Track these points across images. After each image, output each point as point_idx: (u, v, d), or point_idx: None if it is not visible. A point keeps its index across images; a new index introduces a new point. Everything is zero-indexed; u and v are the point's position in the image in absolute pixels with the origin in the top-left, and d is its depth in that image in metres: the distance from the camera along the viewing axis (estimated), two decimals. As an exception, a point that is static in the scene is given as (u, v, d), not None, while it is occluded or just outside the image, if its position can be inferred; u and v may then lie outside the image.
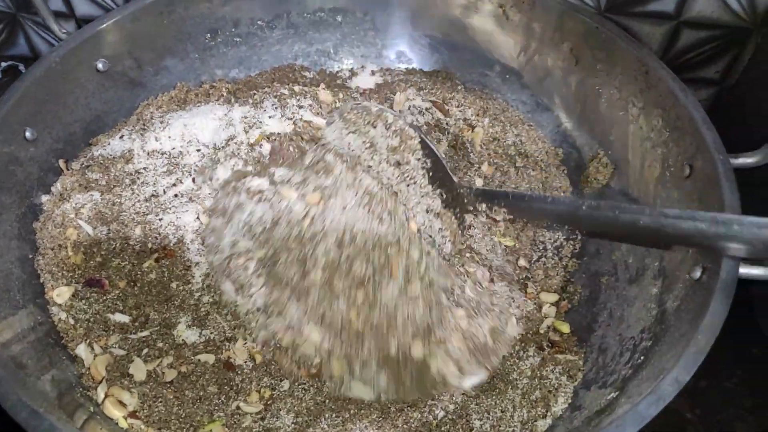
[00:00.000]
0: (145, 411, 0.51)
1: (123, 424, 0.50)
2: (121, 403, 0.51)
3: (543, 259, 0.70)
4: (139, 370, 0.54)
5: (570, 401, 0.54)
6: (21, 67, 1.07)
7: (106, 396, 0.52)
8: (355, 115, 0.65)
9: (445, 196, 0.63)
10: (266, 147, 0.66)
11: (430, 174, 0.63)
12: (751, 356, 0.73)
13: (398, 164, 0.63)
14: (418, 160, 0.63)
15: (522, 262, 0.69)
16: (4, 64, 1.07)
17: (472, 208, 0.63)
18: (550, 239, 0.72)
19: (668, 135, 0.62)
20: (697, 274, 0.50)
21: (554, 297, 0.66)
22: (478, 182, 0.74)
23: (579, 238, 0.70)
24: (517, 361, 0.59)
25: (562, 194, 0.74)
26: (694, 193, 0.56)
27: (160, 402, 0.52)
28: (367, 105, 0.65)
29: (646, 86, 0.65)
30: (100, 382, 0.53)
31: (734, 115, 0.92)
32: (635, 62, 0.66)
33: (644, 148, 0.65)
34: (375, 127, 0.64)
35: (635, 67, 0.66)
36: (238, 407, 0.53)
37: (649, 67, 0.64)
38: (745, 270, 0.47)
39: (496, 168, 0.76)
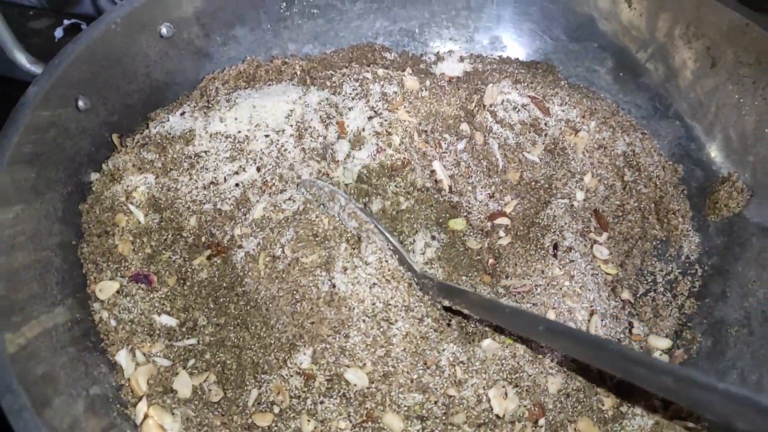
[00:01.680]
0: (188, 440, 0.44)
1: (162, 454, 0.43)
2: (162, 429, 0.44)
3: (652, 293, 0.60)
4: (184, 385, 0.47)
5: (694, 484, 0.44)
6: (83, 26, 1.01)
7: (146, 417, 0.44)
8: (315, 190, 0.57)
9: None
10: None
11: (397, 256, 0.54)
12: None
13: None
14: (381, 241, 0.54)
15: (626, 295, 0.59)
16: (66, 22, 1.02)
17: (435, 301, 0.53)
18: (660, 270, 0.61)
19: (837, 163, 0.50)
20: None
21: (666, 343, 0.56)
22: (579, 195, 0.64)
23: (699, 273, 0.59)
24: (620, 417, 0.50)
25: (680, 219, 0.63)
26: None
27: (205, 429, 0.45)
28: (321, 184, 0.57)
29: (811, 100, 0.53)
30: (141, 398, 0.46)
31: None
32: (798, 70, 0.54)
33: (798, 176, 0.54)
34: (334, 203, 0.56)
35: (797, 76, 0.54)
36: (297, 430, 0.46)
37: (817, 77, 0.52)
38: None
39: (599, 180, 0.65)
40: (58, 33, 1.00)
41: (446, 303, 0.52)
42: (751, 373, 0.49)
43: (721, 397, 0.35)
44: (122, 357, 0.48)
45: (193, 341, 0.51)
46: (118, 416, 0.44)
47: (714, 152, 0.63)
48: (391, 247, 0.54)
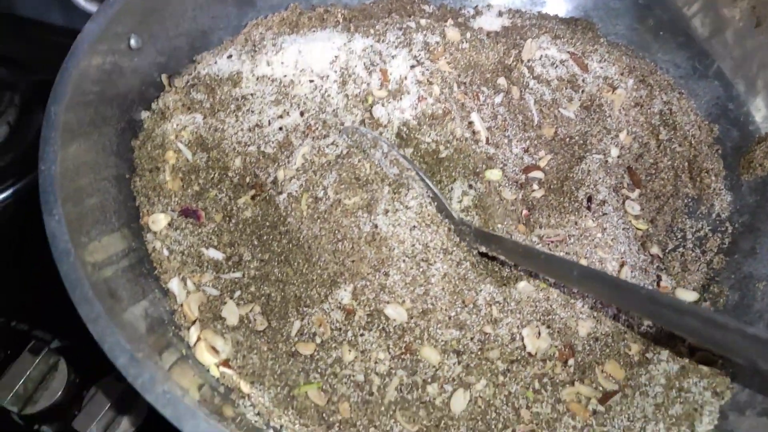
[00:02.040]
0: (239, 361, 0.47)
1: (215, 372, 0.46)
2: (214, 350, 0.47)
3: (681, 249, 0.61)
4: (231, 313, 0.50)
5: (716, 423, 0.46)
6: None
7: (199, 339, 0.47)
8: (358, 136, 0.58)
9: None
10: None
11: (435, 203, 0.55)
12: None
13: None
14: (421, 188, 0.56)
15: (655, 250, 0.61)
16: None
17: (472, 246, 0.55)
18: (691, 227, 0.63)
19: None
20: None
21: (693, 295, 0.57)
22: (614, 152, 0.65)
23: (729, 231, 0.60)
24: (645, 362, 0.52)
25: (713, 178, 0.63)
26: None
27: (255, 353, 0.48)
28: (365, 130, 0.58)
29: None
30: (194, 322, 0.48)
31: None
32: None
33: (837, 136, 0.54)
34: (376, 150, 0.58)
35: None
36: (338, 359, 0.48)
37: None
38: None
39: (634, 138, 0.66)
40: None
41: (483, 249, 0.54)
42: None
43: (748, 341, 0.36)
44: (174, 285, 0.50)
45: (238, 275, 0.53)
46: (174, 336, 0.47)
47: (752, 112, 0.63)
48: (431, 194, 0.55)
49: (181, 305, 0.49)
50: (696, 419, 0.46)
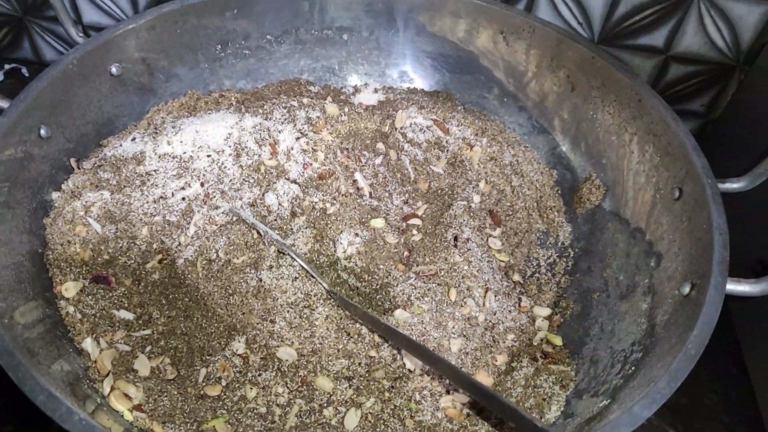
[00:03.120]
0: (150, 405, 0.52)
1: (128, 416, 0.51)
2: (127, 397, 0.52)
3: (537, 274, 0.73)
4: (143, 365, 0.55)
5: (563, 409, 0.56)
6: (24, 70, 1.08)
7: (112, 389, 0.52)
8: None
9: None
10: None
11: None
12: (729, 374, 0.76)
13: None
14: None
15: (516, 277, 0.72)
16: (7, 66, 1.08)
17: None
18: (543, 256, 0.75)
19: (659, 160, 0.65)
20: (686, 290, 0.53)
21: (547, 311, 0.68)
22: (476, 198, 0.77)
23: (572, 255, 0.73)
24: (510, 370, 0.61)
25: (556, 214, 0.77)
26: (683, 215, 0.60)
27: (165, 397, 0.53)
28: (244, 216, 0.67)
29: (639, 113, 0.68)
30: (107, 375, 0.53)
31: (718, 146, 0.96)
32: (629, 90, 0.69)
33: (636, 172, 0.69)
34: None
35: (629, 95, 0.69)
36: (242, 397, 0.54)
37: (642, 95, 0.68)
38: (731, 286, 0.50)
39: (492, 186, 0.79)
40: (0, 76, 1.07)
41: (347, 313, 0.62)
42: (607, 325, 0.62)
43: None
44: (88, 344, 0.55)
45: (148, 331, 0.59)
46: (89, 389, 0.51)
47: (578, 158, 0.78)
48: (304, 269, 0.64)
49: (95, 361, 0.54)
50: (545, 407, 0.56)
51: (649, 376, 0.49)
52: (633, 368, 0.53)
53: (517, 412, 0.48)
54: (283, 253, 0.64)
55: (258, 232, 0.65)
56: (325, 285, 0.62)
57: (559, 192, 0.78)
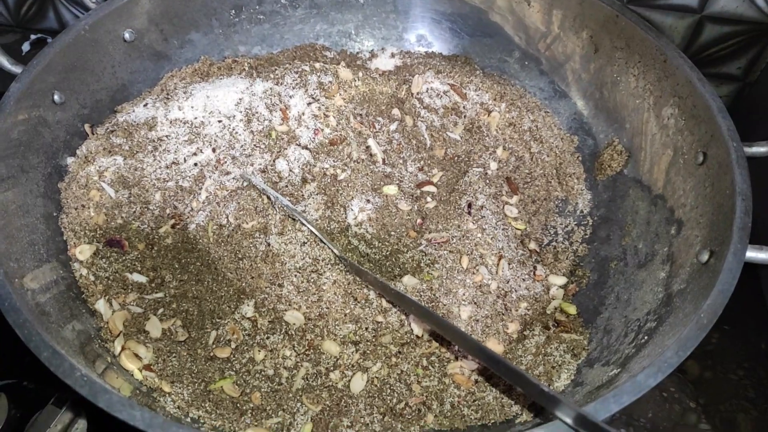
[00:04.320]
0: (159, 365, 0.53)
1: (138, 375, 0.52)
2: (137, 356, 0.53)
3: (554, 243, 0.71)
4: (154, 327, 0.56)
5: (573, 378, 0.55)
6: (49, 40, 1.09)
7: (123, 349, 0.53)
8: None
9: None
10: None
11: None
12: (758, 351, 0.73)
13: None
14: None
15: (532, 246, 0.70)
16: (33, 36, 1.10)
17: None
18: (561, 224, 0.73)
19: (684, 123, 0.62)
20: (705, 257, 0.51)
21: (562, 280, 0.66)
22: (493, 165, 0.75)
23: (591, 223, 0.71)
24: (522, 338, 0.60)
25: (576, 181, 0.74)
26: (707, 180, 0.57)
27: (174, 357, 0.54)
28: (255, 181, 0.66)
29: (664, 75, 0.65)
30: (118, 335, 0.55)
31: (756, 111, 0.91)
32: (654, 51, 0.66)
33: (659, 136, 0.66)
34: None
35: (654, 55, 0.66)
36: (251, 359, 0.55)
37: (667, 56, 0.64)
38: (752, 254, 0.48)
39: (510, 153, 0.77)
40: (25, 47, 1.08)
41: (357, 279, 0.62)
42: (623, 294, 0.61)
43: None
44: (101, 305, 0.57)
45: (160, 294, 0.60)
46: (100, 348, 0.53)
47: (600, 123, 0.75)
48: (315, 235, 0.63)
49: (107, 322, 0.56)
50: (554, 375, 0.55)
51: (661, 345, 0.47)
52: (646, 337, 0.51)
53: (524, 378, 0.47)
54: (294, 219, 0.63)
55: (268, 198, 0.64)
56: (335, 251, 0.62)
57: (580, 158, 0.76)
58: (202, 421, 0.51)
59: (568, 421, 0.41)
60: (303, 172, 0.68)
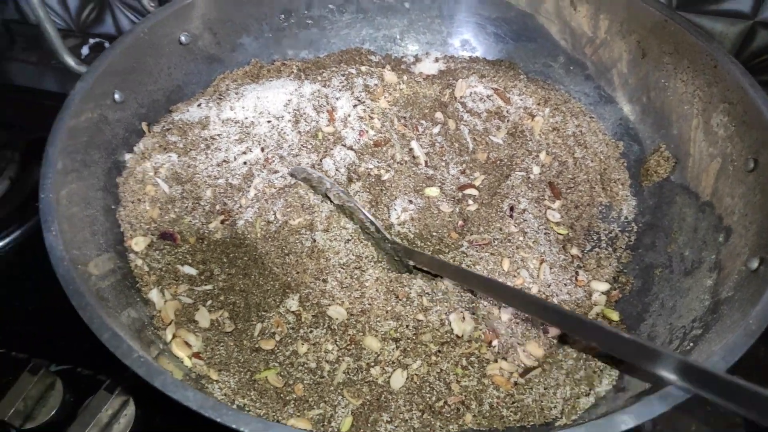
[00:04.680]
0: (208, 353, 0.55)
1: (188, 362, 0.54)
2: (187, 344, 0.55)
3: (597, 249, 0.71)
4: (203, 317, 0.59)
5: (615, 383, 0.54)
6: (107, 44, 1.14)
7: (174, 337, 0.56)
8: (305, 175, 0.67)
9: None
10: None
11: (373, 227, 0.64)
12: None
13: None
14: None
15: (575, 251, 0.70)
16: (92, 41, 1.15)
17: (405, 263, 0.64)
18: (605, 230, 0.72)
19: (734, 129, 0.61)
20: (755, 265, 0.50)
21: (605, 286, 0.66)
22: (536, 170, 0.75)
23: (635, 230, 0.70)
24: (563, 343, 0.60)
25: (621, 187, 0.74)
26: (757, 187, 0.56)
27: (222, 347, 0.56)
28: (310, 171, 0.67)
29: (714, 80, 0.64)
30: (169, 324, 0.57)
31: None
32: (704, 56, 0.65)
33: (708, 143, 0.65)
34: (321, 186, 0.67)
35: (703, 60, 0.65)
36: (294, 352, 0.57)
37: (717, 61, 0.63)
38: (805, 261, 0.47)
39: (554, 158, 0.77)
40: (85, 51, 1.14)
41: (411, 262, 0.63)
42: (668, 301, 0.60)
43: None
44: (154, 295, 0.59)
45: (209, 287, 0.62)
46: (152, 335, 0.55)
47: (647, 129, 0.74)
48: (368, 220, 0.64)
49: (159, 311, 0.58)
50: (595, 380, 0.54)
51: (707, 352, 0.47)
52: (691, 344, 0.51)
53: (611, 333, 0.44)
54: (336, 217, 0.65)
55: (316, 194, 0.66)
56: (387, 235, 0.63)
57: (625, 164, 0.75)
58: (247, 408, 0.52)
59: (671, 375, 0.40)
60: (348, 172, 0.69)
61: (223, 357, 0.55)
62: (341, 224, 0.64)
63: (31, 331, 0.76)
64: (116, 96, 0.67)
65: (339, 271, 0.61)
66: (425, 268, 0.63)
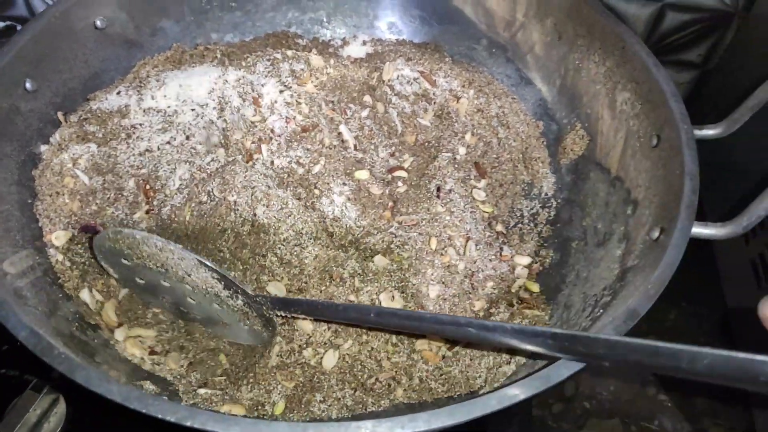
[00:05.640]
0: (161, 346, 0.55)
1: (147, 360, 0.55)
2: (141, 342, 0.55)
3: (519, 225, 0.74)
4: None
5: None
6: (18, 27, 1.08)
7: (127, 338, 0.56)
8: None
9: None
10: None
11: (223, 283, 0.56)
12: (713, 327, 0.78)
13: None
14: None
15: (499, 228, 0.73)
16: (1, 23, 1.09)
17: (273, 314, 0.57)
18: (527, 207, 0.75)
19: (640, 107, 0.65)
20: (656, 234, 0.54)
21: (527, 260, 0.69)
22: (462, 150, 0.77)
23: (554, 206, 0.74)
24: (488, 316, 0.63)
25: (541, 165, 0.77)
26: (660, 162, 0.60)
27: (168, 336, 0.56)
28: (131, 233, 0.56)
29: (622, 61, 0.68)
30: (118, 326, 0.56)
31: (714, 96, 0.95)
32: (613, 37, 0.69)
33: (618, 121, 0.68)
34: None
35: (613, 42, 0.69)
36: None
37: (626, 42, 0.67)
38: (698, 230, 0.51)
39: (479, 138, 0.79)
40: (-6, 34, 1.07)
41: (283, 314, 0.57)
42: (582, 272, 0.63)
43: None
44: (86, 296, 0.58)
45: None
46: (78, 331, 0.54)
47: (564, 109, 0.77)
48: (217, 276, 0.55)
49: (100, 315, 0.57)
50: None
51: (613, 317, 0.50)
52: (601, 311, 0.54)
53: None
54: (282, 189, 0.64)
55: (251, 175, 0.65)
56: (249, 291, 0.57)
57: (545, 143, 0.79)
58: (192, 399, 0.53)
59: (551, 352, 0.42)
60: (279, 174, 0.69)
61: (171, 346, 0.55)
62: (283, 200, 0.63)
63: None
64: (27, 85, 0.64)
65: (279, 247, 0.61)
66: (301, 316, 0.57)
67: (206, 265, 0.54)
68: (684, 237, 0.50)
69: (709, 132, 0.59)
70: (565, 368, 0.42)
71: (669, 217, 0.53)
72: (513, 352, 0.58)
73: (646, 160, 0.62)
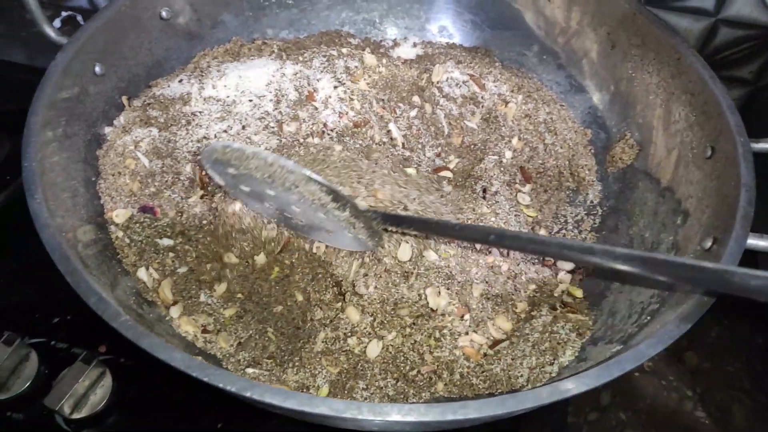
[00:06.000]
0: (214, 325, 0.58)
1: (199, 338, 0.57)
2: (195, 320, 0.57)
3: (563, 231, 0.74)
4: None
5: (577, 354, 0.58)
6: (79, 17, 1.12)
7: (181, 315, 0.58)
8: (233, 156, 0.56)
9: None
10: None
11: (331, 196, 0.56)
12: (754, 345, 0.76)
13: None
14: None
15: (543, 232, 0.73)
16: (63, 14, 1.13)
17: (382, 229, 0.58)
18: (571, 213, 0.76)
19: (694, 119, 0.65)
20: (708, 244, 0.54)
21: (570, 266, 0.69)
22: (508, 154, 0.78)
23: (600, 213, 0.74)
24: (530, 319, 0.63)
25: (587, 173, 0.77)
26: (713, 173, 0.60)
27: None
28: (237, 146, 0.55)
29: (677, 72, 0.68)
30: (174, 304, 0.59)
31: (765, 113, 0.94)
32: (668, 48, 0.69)
33: (670, 132, 0.68)
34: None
35: (668, 53, 0.69)
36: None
37: (681, 54, 0.67)
38: (753, 241, 0.51)
39: (525, 143, 0.80)
40: (56, 24, 1.12)
41: (393, 229, 0.60)
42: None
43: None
44: (143, 274, 0.60)
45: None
46: (141, 308, 0.56)
47: (614, 118, 0.78)
48: (326, 190, 0.55)
49: (157, 293, 0.59)
50: (559, 351, 0.58)
51: (662, 323, 0.50)
52: (648, 318, 0.54)
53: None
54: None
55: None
56: (361, 205, 0.58)
57: (592, 151, 0.79)
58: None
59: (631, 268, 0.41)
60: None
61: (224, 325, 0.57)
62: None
63: (3, 306, 0.76)
64: (97, 69, 0.67)
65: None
66: (413, 233, 0.59)
67: (316, 180, 0.54)
68: (739, 248, 0.49)
69: (765, 146, 0.59)
70: (616, 368, 0.43)
71: (722, 228, 0.53)
72: (556, 353, 0.58)
73: (699, 171, 0.62)
